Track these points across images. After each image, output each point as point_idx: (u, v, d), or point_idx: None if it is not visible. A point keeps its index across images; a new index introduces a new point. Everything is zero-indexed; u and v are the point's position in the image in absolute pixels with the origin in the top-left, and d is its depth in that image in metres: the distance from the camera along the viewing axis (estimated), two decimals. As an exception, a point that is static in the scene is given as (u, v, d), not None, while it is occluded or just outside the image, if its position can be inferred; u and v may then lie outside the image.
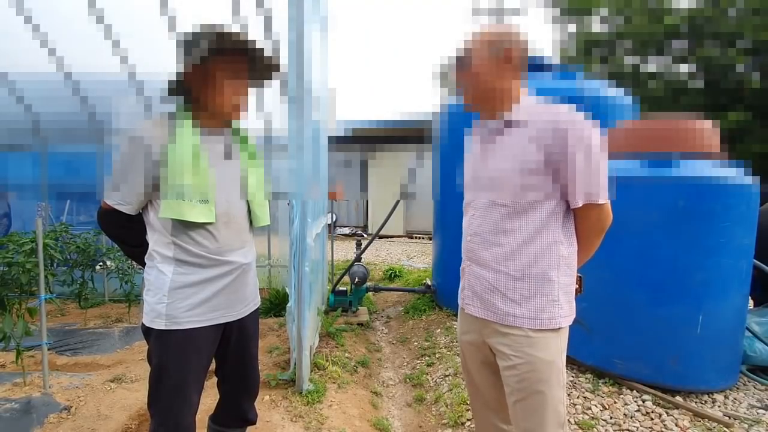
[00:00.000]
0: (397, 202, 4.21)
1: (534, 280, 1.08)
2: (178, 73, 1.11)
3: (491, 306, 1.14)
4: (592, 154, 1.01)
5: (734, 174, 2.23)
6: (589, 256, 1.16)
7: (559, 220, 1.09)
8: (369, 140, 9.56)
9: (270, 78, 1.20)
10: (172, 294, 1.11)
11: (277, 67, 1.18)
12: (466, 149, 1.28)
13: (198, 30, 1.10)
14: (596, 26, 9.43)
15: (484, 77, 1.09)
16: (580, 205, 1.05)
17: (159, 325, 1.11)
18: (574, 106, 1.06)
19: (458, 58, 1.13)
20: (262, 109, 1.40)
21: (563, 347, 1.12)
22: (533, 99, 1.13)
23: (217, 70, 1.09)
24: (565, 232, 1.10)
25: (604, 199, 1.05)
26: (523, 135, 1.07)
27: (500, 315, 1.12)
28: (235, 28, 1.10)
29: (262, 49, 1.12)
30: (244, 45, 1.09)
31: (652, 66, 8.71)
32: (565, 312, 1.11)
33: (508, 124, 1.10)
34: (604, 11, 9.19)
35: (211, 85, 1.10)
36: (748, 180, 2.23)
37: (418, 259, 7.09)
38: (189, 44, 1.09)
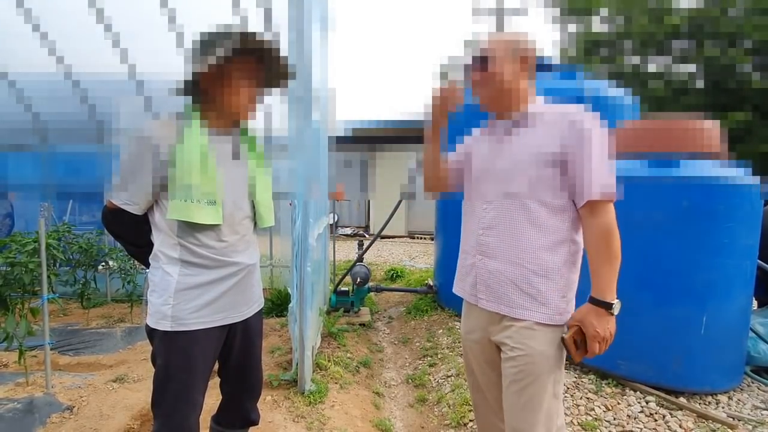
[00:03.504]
0: (399, 202, 4.21)
1: (548, 276, 1.10)
2: (188, 73, 1.11)
3: (505, 300, 1.14)
4: (605, 146, 1.04)
5: (738, 174, 2.22)
6: (600, 267, 1.06)
7: (570, 219, 1.11)
8: (370, 140, 9.57)
9: (283, 80, 1.21)
10: (178, 295, 1.11)
11: (292, 75, 1.20)
12: (471, 146, 1.29)
13: (212, 31, 1.10)
14: (597, 26, 9.41)
15: (504, 77, 1.13)
16: (597, 198, 1.04)
17: (164, 326, 1.11)
18: (583, 106, 1.09)
19: (477, 58, 1.16)
20: (262, 110, 1.40)
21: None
22: (545, 100, 1.19)
23: (233, 71, 1.09)
24: (574, 230, 1.12)
25: (599, 196, 1.04)
26: (537, 129, 1.11)
27: (513, 308, 1.13)
28: (235, 23, 1.11)
29: (280, 54, 1.13)
30: (262, 46, 1.10)
31: (652, 66, 8.70)
32: (570, 308, 1.13)
33: (524, 121, 1.15)
34: (604, 11, 9.18)
35: (227, 85, 1.10)
36: (752, 180, 2.22)
37: (419, 259, 7.09)
38: (206, 45, 1.09)
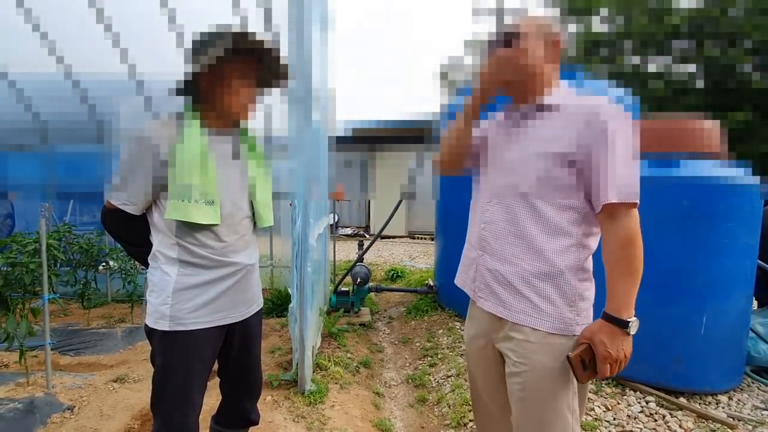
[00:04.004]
0: (399, 202, 4.21)
1: (551, 282, 1.00)
2: (187, 73, 1.11)
3: (502, 301, 1.06)
4: (628, 144, 0.94)
5: (738, 174, 2.22)
6: (618, 280, 0.95)
7: (580, 220, 1.00)
8: (370, 140, 9.58)
9: (281, 80, 1.21)
10: (176, 295, 1.11)
11: (290, 74, 1.19)
12: (488, 130, 1.19)
13: (211, 31, 1.11)
14: (597, 26, 9.41)
15: (531, 58, 1.02)
16: (614, 200, 0.93)
17: (163, 326, 1.11)
18: (607, 98, 0.98)
19: (504, 34, 1.04)
20: (262, 110, 1.40)
21: None
22: (570, 89, 1.07)
23: (231, 71, 1.10)
24: (587, 235, 1.01)
25: (617, 198, 0.93)
26: (555, 121, 1.01)
27: (511, 312, 1.04)
28: (234, 22, 1.11)
29: (279, 54, 1.13)
30: (259, 46, 1.10)
31: (653, 66, 8.69)
32: (582, 319, 1.01)
33: (541, 108, 1.04)
34: (604, 11, 9.17)
35: (225, 85, 1.10)
36: (752, 180, 2.22)
37: (420, 259, 7.09)
38: (204, 44, 1.10)
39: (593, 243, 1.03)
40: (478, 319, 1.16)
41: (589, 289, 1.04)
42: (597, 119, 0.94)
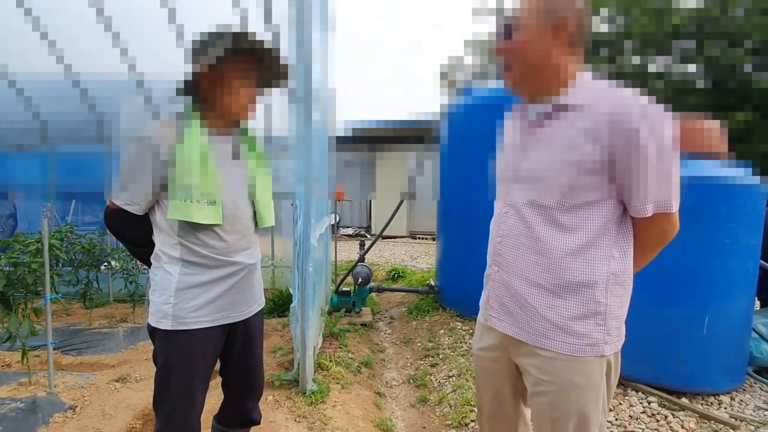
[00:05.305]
0: (401, 202, 4.21)
1: (575, 299, 0.90)
2: (187, 73, 1.11)
3: (521, 323, 0.97)
4: (664, 152, 0.82)
5: (740, 174, 2.21)
6: (640, 268, 0.98)
7: (612, 229, 0.90)
8: (370, 140, 9.58)
9: (280, 80, 1.21)
10: (179, 294, 1.12)
11: (289, 74, 1.20)
12: (499, 138, 1.10)
13: (211, 31, 1.11)
14: (597, 26, 9.39)
15: (532, 50, 0.89)
16: (650, 214, 0.86)
17: (165, 325, 1.12)
18: (639, 90, 0.86)
19: (504, 26, 0.93)
20: (262, 110, 1.41)
21: (608, 370, 0.95)
22: (592, 79, 0.92)
23: (230, 71, 1.10)
24: (619, 245, 0.91)
25: (673, 207, 0.86)
26: (576, 122, 0.87)
27: (531, 335, 0.94)
28: (234, 21, 1.11)
29: (279, 54, 1.13)
30: (259, 46, 1.11)
31: (653, 66, 8.68)
32: (613, 338, 0.93)
33: (558, 108, 0.91)
34: (604, 11, 9.16)
35: (223, 85, 1.11)
36: (754, 180, 2.22)
37: (421, 259, 7.09)
38: (204, 44, 1.10)
39: (623, 253, 0.92)
40: (493, 336, 1.05)
41: (622, 306, 0.95)
42: (626, 122, 0.81)
